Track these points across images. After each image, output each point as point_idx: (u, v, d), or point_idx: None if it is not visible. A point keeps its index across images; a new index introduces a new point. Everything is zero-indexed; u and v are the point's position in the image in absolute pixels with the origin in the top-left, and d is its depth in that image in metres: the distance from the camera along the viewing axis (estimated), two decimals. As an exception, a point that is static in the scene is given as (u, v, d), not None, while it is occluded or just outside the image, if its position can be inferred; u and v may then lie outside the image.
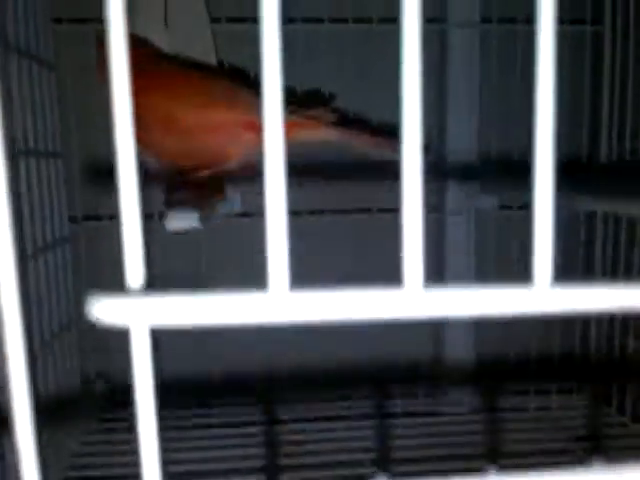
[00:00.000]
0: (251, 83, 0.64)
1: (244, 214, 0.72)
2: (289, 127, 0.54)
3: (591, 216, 0.74)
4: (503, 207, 0.75)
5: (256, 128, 0.54)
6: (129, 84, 0.17)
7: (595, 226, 0.73)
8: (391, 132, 0.57)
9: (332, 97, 0.71)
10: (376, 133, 0.54)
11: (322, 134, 0.54)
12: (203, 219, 0.39)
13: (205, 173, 0.55)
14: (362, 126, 0.56)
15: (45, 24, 0.63)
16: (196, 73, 0.59)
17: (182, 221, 0.38)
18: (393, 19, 0.72)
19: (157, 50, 0.62)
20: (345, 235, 0.76)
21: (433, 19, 0.75)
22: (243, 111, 0.54)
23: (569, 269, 0.73)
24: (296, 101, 0.61)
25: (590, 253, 0.75)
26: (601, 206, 0.61)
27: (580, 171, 0.73)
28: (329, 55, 0.71)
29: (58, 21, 0.66)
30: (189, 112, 0.54)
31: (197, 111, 0.54)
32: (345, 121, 0.56)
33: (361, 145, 0.55)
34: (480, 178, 0.74)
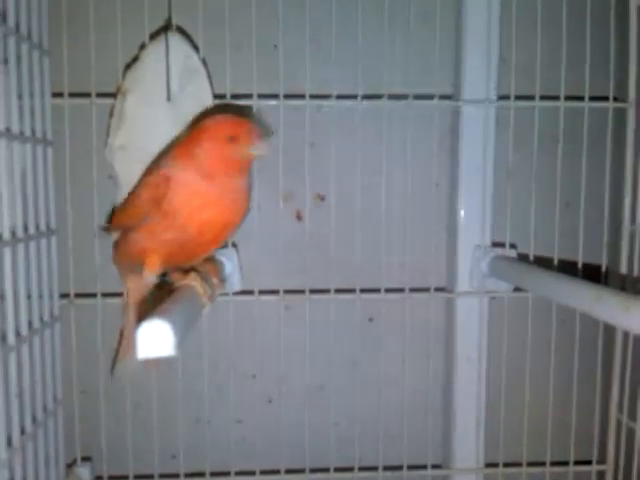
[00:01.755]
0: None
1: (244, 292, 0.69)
2: None
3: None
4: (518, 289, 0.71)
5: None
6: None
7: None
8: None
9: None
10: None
11: None
12: (178, 346, 0.35)
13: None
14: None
15: (43, 99, 0.61)
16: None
17: (156, 347, 0.35)
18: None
19: None
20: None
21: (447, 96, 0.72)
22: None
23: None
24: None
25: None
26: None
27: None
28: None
29: (58, 95, 0.64)
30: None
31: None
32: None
33: None
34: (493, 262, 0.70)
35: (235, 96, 0.66)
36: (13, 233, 0.55)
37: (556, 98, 0.69)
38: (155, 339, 0.35)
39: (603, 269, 0.70)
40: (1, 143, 0.51)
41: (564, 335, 0.72)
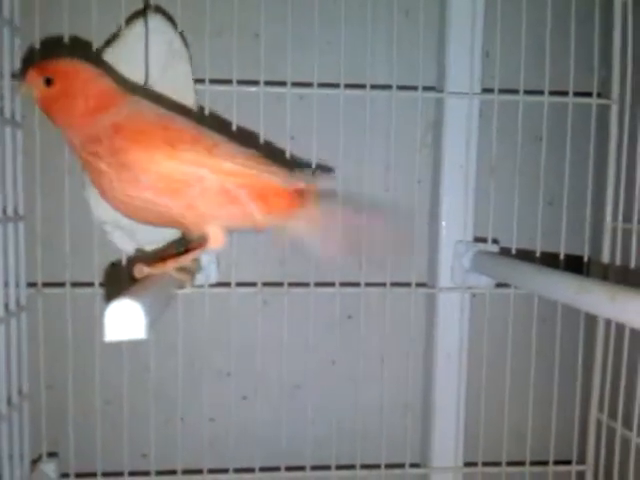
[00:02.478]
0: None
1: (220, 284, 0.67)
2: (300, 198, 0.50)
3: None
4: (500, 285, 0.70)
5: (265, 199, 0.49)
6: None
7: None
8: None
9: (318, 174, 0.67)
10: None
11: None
12: (151, 327, 0.33)
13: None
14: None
15: (12, 80, 0.59)
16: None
17: (125, 329, 0.33)
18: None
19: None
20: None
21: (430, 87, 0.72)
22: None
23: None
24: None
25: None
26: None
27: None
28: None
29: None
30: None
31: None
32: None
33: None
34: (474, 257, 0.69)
35: (214, 81, 0.64)
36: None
37: (540, 93, 0.68)
38: (125, 320, 0.33)
39: (585, 262, 0.70)
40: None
41: (545, 333, 0.71)
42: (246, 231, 0.51)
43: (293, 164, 0.67)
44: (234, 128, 0.65)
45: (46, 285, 0.65)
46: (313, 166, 0.66)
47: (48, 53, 0.61)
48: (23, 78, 0.50)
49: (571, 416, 0.72)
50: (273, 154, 0.67)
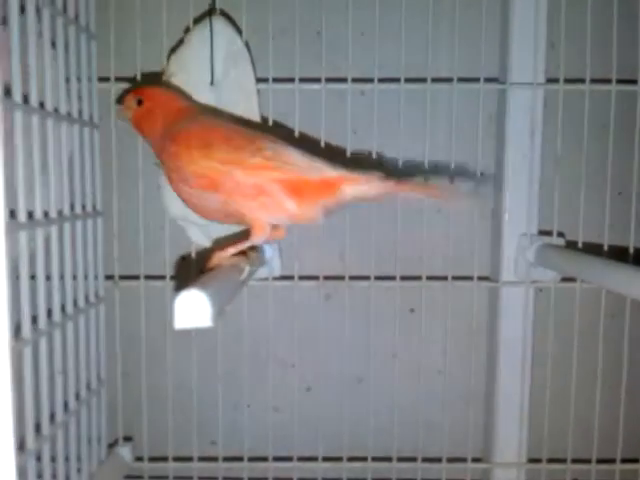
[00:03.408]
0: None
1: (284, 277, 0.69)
2: (334, 183, 0.51)
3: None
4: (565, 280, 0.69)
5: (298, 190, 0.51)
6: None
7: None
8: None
9: (381, 161, 0.67)
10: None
11: (371, 189, 0.51)
12: (216, 316, 0.35)
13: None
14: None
15: (90, 83, 0.62)
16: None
17: (193, 318, 0.35)
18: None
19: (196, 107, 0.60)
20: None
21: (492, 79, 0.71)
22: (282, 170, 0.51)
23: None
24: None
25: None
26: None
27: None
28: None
29: (104, 79, 0.65)
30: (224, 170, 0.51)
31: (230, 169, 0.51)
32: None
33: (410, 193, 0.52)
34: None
35: (277, 80, 0.66)
36: (60, 212, 0.56)
37: (607, 82, 0.66)
38: (193, 309, 0.35)
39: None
40: (49, 123, 0.52)
41: (613, 329, 0.70)
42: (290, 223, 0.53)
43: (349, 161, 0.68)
44: (296, 125, 0.66)
45: (122, 278, 0.68)
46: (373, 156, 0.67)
47: (121, 57, 0.65)
48: (120, 102, 0.60)
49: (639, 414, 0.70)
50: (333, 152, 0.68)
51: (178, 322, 0.35)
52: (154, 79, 0.65)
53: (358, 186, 0.51)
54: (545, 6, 0.68)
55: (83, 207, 0.61)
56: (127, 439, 0.71)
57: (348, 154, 0.68)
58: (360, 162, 0.68)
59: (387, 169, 0.54)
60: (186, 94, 0.63)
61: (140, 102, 0.58)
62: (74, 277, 0.59)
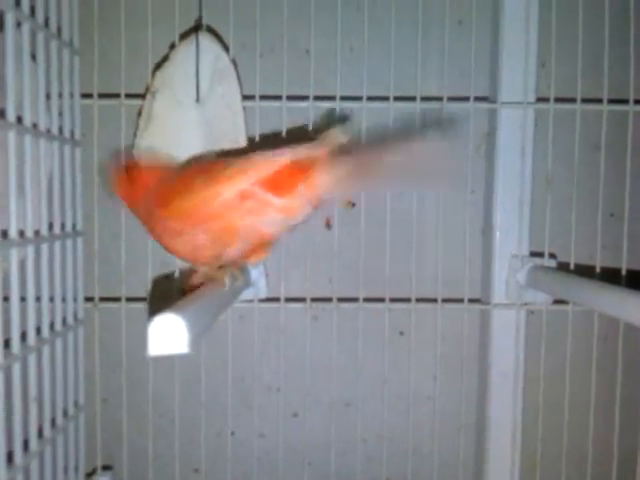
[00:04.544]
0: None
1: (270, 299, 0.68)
2: (306, 168, 0.48)
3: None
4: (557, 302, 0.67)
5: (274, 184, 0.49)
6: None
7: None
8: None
9: (346, 117, 0.66)
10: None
11: (341, 167, 0.48)
12: (195, 342, 0.34)
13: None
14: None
15: (72, 99, 0.61)
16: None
17: (169, 344, 0.33)
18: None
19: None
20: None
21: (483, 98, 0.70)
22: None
23: None
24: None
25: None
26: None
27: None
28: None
29: (87, 96, 0.63)
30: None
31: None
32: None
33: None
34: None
35: (264, 97, 0.65)
36: (37, 232, 0.54)
37: (599, 101, 0.66)
38: (168, 335, 0.33)
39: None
40: (27, 139, 0.51)
41: (606, 353, 0.68)
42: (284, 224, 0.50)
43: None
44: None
45: (102, 299, 0.66)
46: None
47: (105, 73, 0.64)
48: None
49: (634, 440, 0.68)
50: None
51: (152, 349, 0.33)
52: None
53: (328, 167, 0.48)
54: (536, 25, 0.67)
55: (62, 227, 0.59)
56: (106, 468, 0.68)
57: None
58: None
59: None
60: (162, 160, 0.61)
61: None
62: (51, 299, 0.57)
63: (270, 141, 0.66)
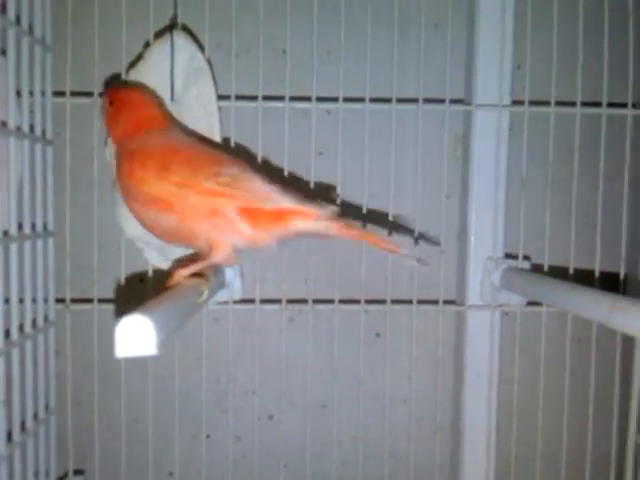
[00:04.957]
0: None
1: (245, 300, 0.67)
2: (287, 213, 0.49)
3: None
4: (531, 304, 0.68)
5: (252, 215, 0.49)
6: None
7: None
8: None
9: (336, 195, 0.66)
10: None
11: (320, 226, 0.50)
12: (163, 344, 0.33)
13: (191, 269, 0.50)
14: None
15: (43, 97, 0.60)
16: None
17: (137, 345, 0.32)
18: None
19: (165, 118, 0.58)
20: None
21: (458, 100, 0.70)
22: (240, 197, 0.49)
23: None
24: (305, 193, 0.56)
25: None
26: None
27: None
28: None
29: (59, 94, 0.63)
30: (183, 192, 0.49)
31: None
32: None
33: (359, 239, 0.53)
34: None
35: (240, 97, 0.64)
36: (5, 232, 0.53)
37: (572, 104, 0.66)
38: (136, 336, 0.33)
39: (621, 280, 0.67)
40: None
41: (580, 354, 0.69)
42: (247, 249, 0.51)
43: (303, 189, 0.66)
44: (259, 144, 0.65)
45: (74, 301, 0.65)
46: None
47: (78, 71, 0.63)
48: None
49: (608, 440, 0.69)
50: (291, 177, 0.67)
51: (120, 350, 0.33)
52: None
53: (308, 221, 0.50)
54: (511, 28, 0.68)
55: (33, 227, 0.58)
56: (78, 472, 0.67)
57: (312, 175, 0.66)
58: (322, 194, 0.66)
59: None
60: (163, 103, 0.61)
61: (111, 103, 0.56)
62: (21, 300, 0.56)
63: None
